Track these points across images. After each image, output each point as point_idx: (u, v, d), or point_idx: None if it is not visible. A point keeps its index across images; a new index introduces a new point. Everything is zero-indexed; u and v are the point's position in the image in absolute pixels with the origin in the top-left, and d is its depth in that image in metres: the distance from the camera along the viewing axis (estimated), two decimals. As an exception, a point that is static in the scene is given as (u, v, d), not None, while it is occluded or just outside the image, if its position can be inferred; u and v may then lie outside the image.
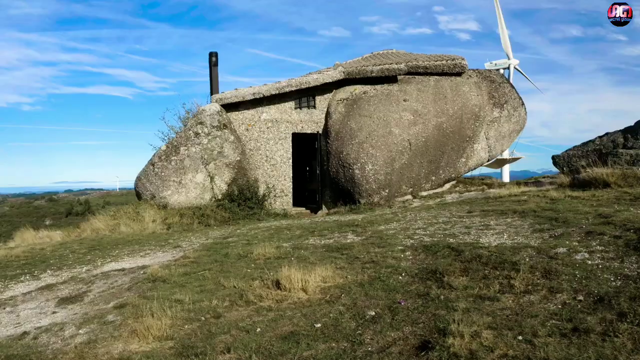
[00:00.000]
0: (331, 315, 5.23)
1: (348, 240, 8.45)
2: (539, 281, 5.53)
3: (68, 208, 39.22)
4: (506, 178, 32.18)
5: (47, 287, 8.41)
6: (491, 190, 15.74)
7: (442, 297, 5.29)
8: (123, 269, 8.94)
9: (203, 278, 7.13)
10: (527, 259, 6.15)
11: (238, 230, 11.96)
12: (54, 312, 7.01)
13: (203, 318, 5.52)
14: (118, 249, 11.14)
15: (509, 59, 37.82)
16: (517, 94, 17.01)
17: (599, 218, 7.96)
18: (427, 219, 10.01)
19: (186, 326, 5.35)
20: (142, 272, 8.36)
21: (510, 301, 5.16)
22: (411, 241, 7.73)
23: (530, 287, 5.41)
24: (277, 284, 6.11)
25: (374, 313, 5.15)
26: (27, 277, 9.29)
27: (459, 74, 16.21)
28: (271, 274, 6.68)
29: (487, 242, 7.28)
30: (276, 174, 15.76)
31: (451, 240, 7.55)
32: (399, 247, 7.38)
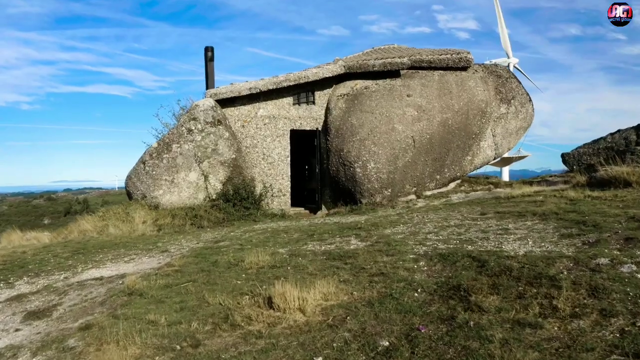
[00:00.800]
0: (335, 345, 4.13)
1: (351, 247, 7.34)
2: (586, 301, 4.44)
3: (67, 207, 37.98)
4: (506, 177, 31.02)
5: (17, 298, 7.35)
6: (498, 189, 14.66)
7: (471, 322, 4.18)
8: (101, 278, 7.86)
9: (185, 292, 6.02)
10: (566, 272, 5.05)
11: (232, 233, 10.85)
12: (16, 330, 5.95)
13: (178, 347, 4.41)
14: (102, 253, 10.09)
15: (508, 57, 36.67)
16: (524, 89, 15.92)
17: (633, 222, 6.87)
18: (437, 221, 8.90)
19: (156, 358, 4.25)
20: (120, 282, 7.27)
21: (556, 328, 4.07)
22: (424, 248, 6.62)
23: (577, 309, 4.32)
24: (270, 302, 5.01)
25: (387, 343, 4.05)
26: (1, 285, 8.22)
27: (464, 69, 15.10)
28: (263, 287, 5.59)
29: (511, 249, 6.18)
30: (274, 172, 14.64)
31: (469, 247, 6.44)
32: (411, 256, 6.27)
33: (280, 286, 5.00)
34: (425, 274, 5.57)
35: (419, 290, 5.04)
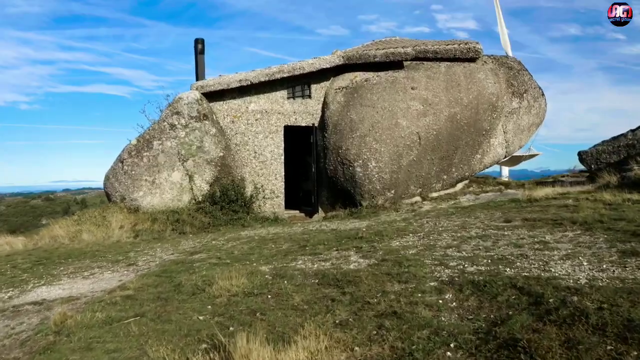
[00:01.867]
0: None
1: (351, 266, 5.54)
2: None
3: (65, 207, 36.06)
4: (505, 178, 28.99)
5: (-62, 327, 5.57)
6: (509, 190, 12.90)
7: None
8: (42, 302, 6.10)
9: (126, 334, 4.24)
10: (666, 317, 3.28)
11: (214, 241, 9.08)
12: None
13: None
14: (65, 264, 8.40)
15: (508, 57, 34.76)
16: (537, 82, 14.16)
17: None
18: (454, 230, 7.12)
19: None
20: (59, 309, 5.51)
21: None
22: (446, 271, 4.83)
23: None
24: (231, 364, 3.22)
25: None
26: None
27: (472, 60, 13.32)
28: (230, 330, 3.83)
29: (564, 274, 4.40)
30: (266, 172, 12.85)
31: (508, 270, 4.66)
32: (431, 283, 4.48)
33: (244, 341, 3.20)
34: (455, 313, 3.78)
35: (451, 345, 3.25)
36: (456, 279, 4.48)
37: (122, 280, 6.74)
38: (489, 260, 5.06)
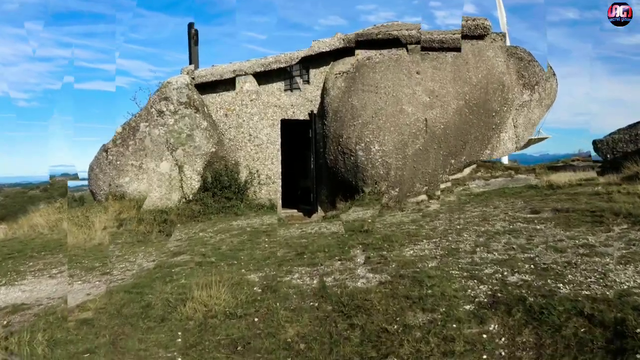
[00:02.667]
0: None
1: (359, 283, 4.35)
2: None
3: (62, 192, 34.60)
4: (505, 161, 27.58)
5: None
6: (520, 175, 11.79)
7: None
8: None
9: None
10: None
11: (201, 233, 7.92)
12: None
13: None
14: (36, 259, 7.46)
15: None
16: (545, 68, 12.87)
17: None
18: (475, 223, 5.96)
19: None
20: (4, 323, 4.41)
21: None
22: (482, 287, 3.68)
23: None
24: None
25: None
26: None
27: (481, 37, 12.06)
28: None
29: (635, 286, 3.29)
30: (261, 156, 11.56)
31: (560, 286, 3.52)
32: (466, 307, 3.34)
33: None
34: (507, 357, 2.67)
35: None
36: (498, 294, 3.35)
37: (90, 295, 5.55)
38: (532, 267, 3.93)
